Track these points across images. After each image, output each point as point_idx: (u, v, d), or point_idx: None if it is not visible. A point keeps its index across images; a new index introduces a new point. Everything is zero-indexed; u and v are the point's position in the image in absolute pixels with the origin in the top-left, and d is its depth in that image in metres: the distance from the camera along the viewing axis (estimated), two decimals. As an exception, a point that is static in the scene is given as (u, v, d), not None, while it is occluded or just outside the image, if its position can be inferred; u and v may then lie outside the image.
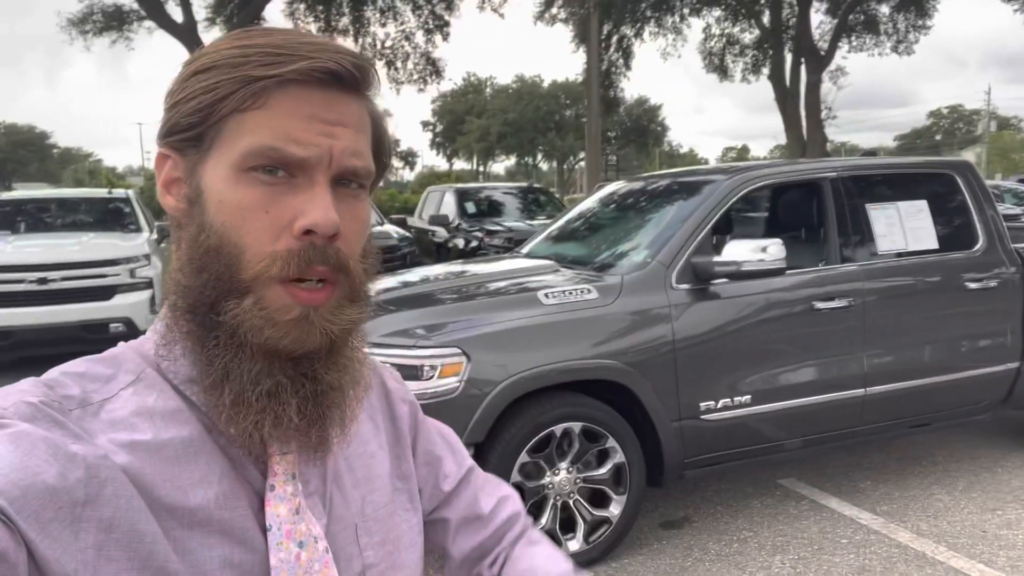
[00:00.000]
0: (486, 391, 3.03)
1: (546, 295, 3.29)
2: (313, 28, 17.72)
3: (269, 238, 0.59)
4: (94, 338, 6.67)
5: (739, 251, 3.31)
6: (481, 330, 3.13)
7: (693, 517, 3.73)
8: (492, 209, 10.37)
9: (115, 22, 16.04)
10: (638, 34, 23.07)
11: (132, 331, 6.90)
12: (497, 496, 0.90)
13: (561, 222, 4.71)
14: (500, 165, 72.00)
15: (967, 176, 4.12)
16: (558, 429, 3.17)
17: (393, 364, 3.02)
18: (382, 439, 0.80)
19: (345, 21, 18.20)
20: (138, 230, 8.18)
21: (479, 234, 9.24)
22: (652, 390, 3.26)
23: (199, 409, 0.62)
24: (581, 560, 3.22)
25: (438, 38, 17.97)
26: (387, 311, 3.40)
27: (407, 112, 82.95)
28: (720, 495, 3.96)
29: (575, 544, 3.23)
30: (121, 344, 0.67)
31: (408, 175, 65.26)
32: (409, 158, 68.50)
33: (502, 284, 3.61)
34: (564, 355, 3.17)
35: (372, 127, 0.67)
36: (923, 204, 3.94)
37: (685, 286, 3.40)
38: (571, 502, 3.24)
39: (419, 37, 18.00)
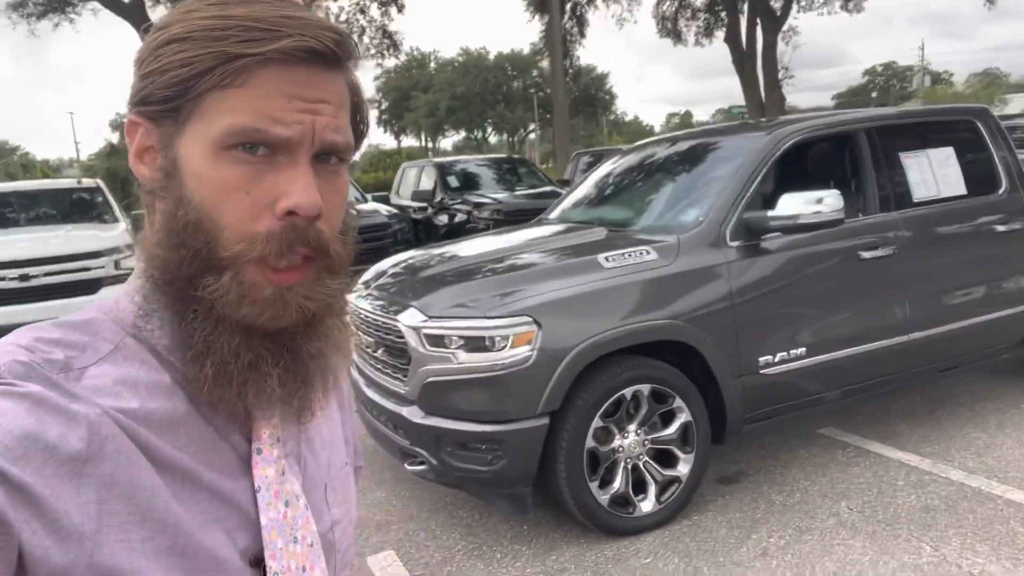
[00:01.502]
0: (559, 358, 2.99)
1: (606, 259, 3.24)
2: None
3: (250, 218, 0.59)
4: None
5: (794, 204, 3.31)
6: (548, 297, 3.07)
7: (747, 471, 3.77)
8: (474, 182, 10.23)
9: (57, 4, 15.21)
10: (591, 1, 22.97)
11: (121, 325, 6.65)
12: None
13: (587, 187, 4.66)
14: (448, 141, 71.32)
15: (987, 121, 4.20)
16: (628, 392, 3.16)
17: (460, 336, 2.96)
18: (334, 403, 0.83)
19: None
20: (114, 220, 7.86)
21: (465, 208, 9.12)
22: (715, 348, 3.27)
23: (183, 378, 0.63)
24: (655, 520, 3.24)
25: (393, 10, 17.55)
26: (445, 283, 3.32)
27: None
28: (767, 448, 4.01)
29: (648, 505, 3.23)
30: (91, 308, 0.65)
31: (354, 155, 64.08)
32: (355, 138, 67.15)
33: (556, 250, 3.55)
34: (631, 317, 3.14)
35: (351, 99, 0.67)
36: (950, 151, 4.01)
37: (738, 242, 3.40)
38: (641, 464, 3.24)
39: (374, 10, 17.55)
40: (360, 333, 3.59)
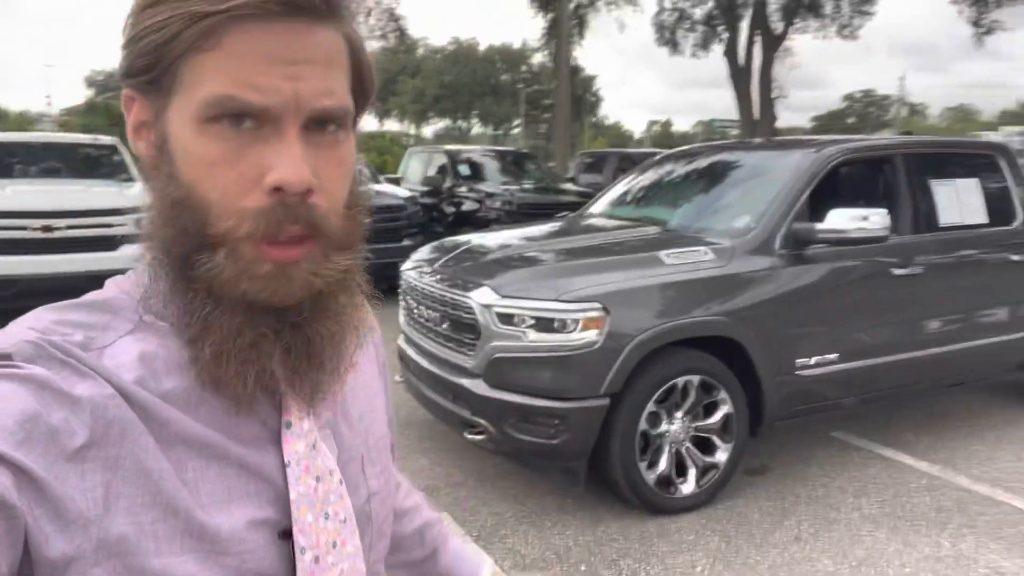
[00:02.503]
0: (623, 344, 3.19)
1: (667, 255, 3.46)
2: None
3: (237, 194, 0.56)
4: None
5: (841, 219, 3.56)
6: (616, 286, 3.27)
7: (770, 465, 4.02)
8: (482, 172, 10.39)
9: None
10: (593, 3, 23.18)
11: (138, 284, 6.69)
12: (415, 498, 0.99)
13: (629, 187, 4.87)
14: (430, 128, 71.10)
15: (1007, 156, 4.51)
16: (680, 381, 3.38)
17: (531, 316, 3.15)
18: (375, 371, 0.81)
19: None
20: (131, 180, 7.85)
21: (475, 197, 9.27)
22: (760, 347, 3.50)
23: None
24: (693, 502, 3.46)
25: (401, -7, 17.57)
26: (515, 266, 3.50)
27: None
28: (786, 447, 4.27)
29: (688, 487, 3.45)
30: (110, 286, 0.65)
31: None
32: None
33: (616, 243, 3.76)
34: (688, 312, 3.35)
35: (349, 54, 0.61)
36: (975, 181, 4.30)
37: (786, 250, 3.63)
38: (683, 449, 3.46)
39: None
40: (423, 307, 3.76)
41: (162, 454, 0.56)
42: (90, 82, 66.98)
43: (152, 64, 0.57)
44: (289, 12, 0.55)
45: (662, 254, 3.46)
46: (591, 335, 3.17)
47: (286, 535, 0.62)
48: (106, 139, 8.47)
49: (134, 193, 7.28)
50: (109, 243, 6.60)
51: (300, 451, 0.64)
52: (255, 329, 0.59)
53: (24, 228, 6.31)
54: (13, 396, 0.51)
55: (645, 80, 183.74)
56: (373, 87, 0.65)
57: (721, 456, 3.52)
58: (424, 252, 4.21)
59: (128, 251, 6.68)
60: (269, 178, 0.56)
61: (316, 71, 0.57)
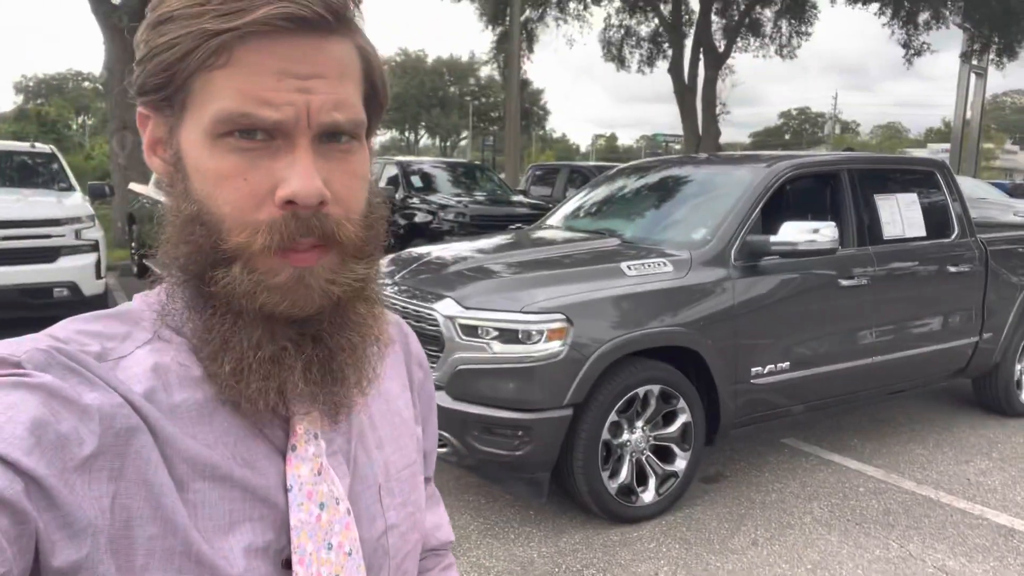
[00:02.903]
0: (587, 355, 3.23)
1: (628, 267, 3.52)
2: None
3: (250, 207, 0.56)
4: (36, 303, 6.18)
5: (793, 232, 3.68)
6: (579, 297, 3.31)
7: (724, 473, 4.11)
8: (434, 184, 10.37)
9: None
10: (542, 18, 23.43)
11: (77, 296, 6.42)
12: (440, 516, 0.93)
13: (586, 199, 4.94)
14: (378, 139, 70.63)
15: (944, 174, 4.73)
16: (641, 391, 3.43)
17: (495, 327, 3.17)
18: (407, 398, 0.79)
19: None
20: (71, 189, 7.59)
21: (428, 208, 9.24)
22: (717, 356, 3.58)
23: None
24: (654, 511, 3.51)
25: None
26: (477, 278, 3.51)
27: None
28: (739, 454, 4.37)
29: (648, 495, 3.50)
30: (137, 298, 0.65)
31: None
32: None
33: (577, 255, 3.80)
34: (650, 323, 3.41)
35: (362, 65, 0.61)
36: (915, 196, 4.50)
37: (741, 262, 3.74)
38: (643, 458, 3.51)
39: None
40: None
41: (165, 469, 0.56)
42: (19, 88, 64.60)
43: (165, 82, 0.57)
44: (299, 28, 0.55)
45: (623, 265, 3.52)
46: (555, 346, 3.20)
47: (290, 564, 0.60)
48: (44, 147, 8.17)
49: (76, 202, 7.04)
50: (48, 255, 6.36)
51: (303, 475, 0.62)
52: (275, 343, 0.59)
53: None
54: (23, 404, 0.51)
55: (590, 94, 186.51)
56: (387, 98, 0.66)
57: (680, 464, 3.59)
58: (383, 264, 4.18)
59: (67, 263, 6.48)
60: (281, 191, 0.56)
61: (327, 84, 0.57)
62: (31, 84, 64.21)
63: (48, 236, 6.37)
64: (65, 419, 0.52)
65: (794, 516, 3.60)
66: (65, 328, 0.59)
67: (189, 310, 0.61)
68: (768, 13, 22.07)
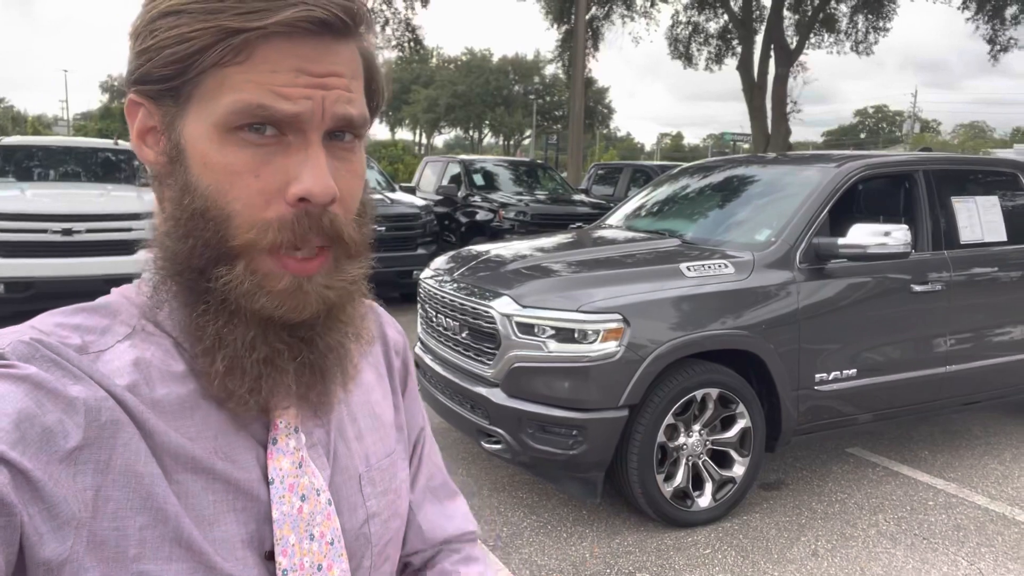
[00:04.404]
0: (643, 356, 3.19)
1: (687, 268, 3.46)
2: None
3: (260, 204, 0.56)
4: None
5: (863, 234, 3.55)
6: (636, 298, 3.28)
7: (786, 481, 4.00)
8: (496, 183, 10.42)
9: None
10: (608, 16, 23.27)
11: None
12: (454, 508, 0.90)
13: (648, 199, 4.88)
14: (441, 138, 71.49)
15: (1028, 176, 4.49)
16: (699, 394, 3.37)
17: (551, 326, 3.16)
18: (385, 387, 0.80)
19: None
20: (149, 185, 7.96)
21: (490, 207, 9.29)
22: (779, 360, 3.49)
23: (196, 367, 0.61)
24: (709, 516, 3.45)
25: (418, 4, 17.71)
26: (535, 276, 3.51)
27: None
28: (801, 462, 4.25)
29: (704, 500, 3.45)
30: (114, 291, 0.65)
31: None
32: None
33: (636, 255, 3.77)
34: (709, 325, 3.36)
35: (364, 68, 0.63)
36: (996, 199, 4.29)
37: (806, 264, 3.63)
38: (700, 462, 3.46)
39: (399, 2, 17.70)
40: (442, 316, 3.77)
41: (154, 460, 0.56)
42: (105, 87, 67.70)
43: (175, 74, 0.56)
44: (316, 30, 0.56)
45: (682, 266, 3.47)
46: (611, 346, 3.18)
47: (273, 555, 0.61)
48: (125, 144, 8.56)
49: (151, 198, 7.35)
50: (127, 247, 6.67)
51: (284, 468, 0.63)
52: (269, 345, 0.60)
53: (44, 231, 6.37)
54: (8, 395, 0.51)
55: (655, 92, 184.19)
56: (383, 100, 0.67)
57: (738, 470, 3.51)
58: (443, 261, 4.23)
59: (143, 256, 6.81)
60: (295, 188, 0.56)
61: (341, 82, 0.58)
62: (116, 83, 67.23)
63: (129, 229, 6.69)
64: (50, 411, 0.52)
65: (858, 528, 3.48)
66: (44, 321, 0.59)
67: (178, 305, 0.61)
68: (843, 8, 21.42)
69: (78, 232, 6.47)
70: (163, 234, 0.60)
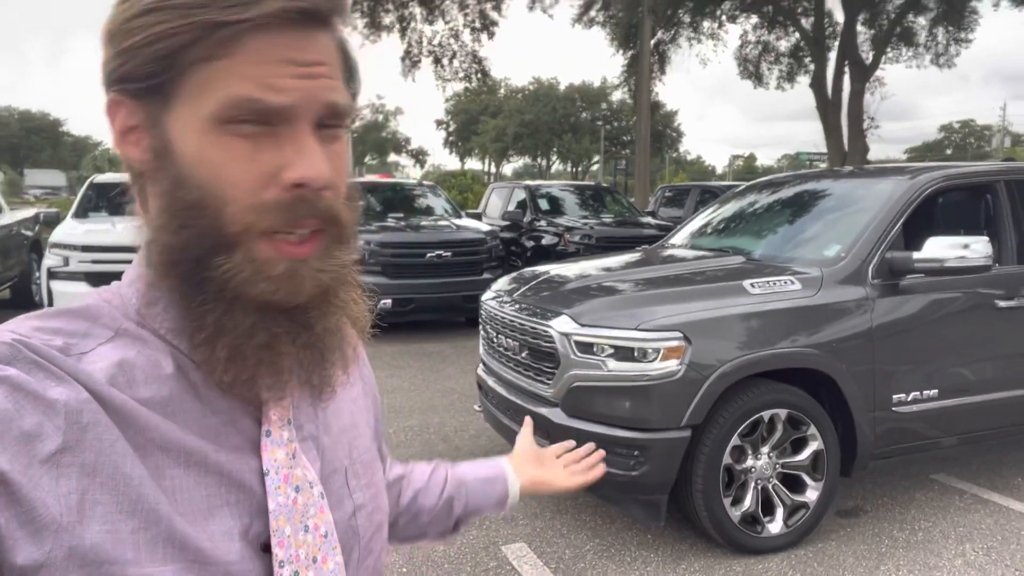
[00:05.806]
0: (705, 375, 3.12)
1: (751, 285, 3.37)
2: (359, 24, 17.83)
3: (255, 190, 0.57)
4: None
5: (940, 248, 3.39)
6: (698, 316, 3.21)
7: (865, 507, 3.81)
8: (561, 207, 10.44)
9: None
10: (674, 39, 23.16)
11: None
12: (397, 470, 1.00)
13: (716, 216, 4.80)
14: (510, 166, 72.24)
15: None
16: (766, 415, 3.26)
17: (610, 345, 3.12)
18: (359, 387, 0.81)
19: (391, 18, 18.30)
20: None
21: (555, 231, 9.31)
22: (852, 381, 3.35)
23: (189, 361, 0.61)
24: (781, 543, 3.31)
25: (484, 36, 18.07)
26: (594, 295, 3.49)
27: (421, 110, 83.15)
28: (881, 488, 4.05)
29: (775, 526, 3.31)
30: (93, 295, 0.64)
31: (415, 172, 65.60)
32: (420, 156, 68.73)
33: (698, 273, 3.70)
34: (774, 343, 3.25)
35: (341, 57, 0.64)
36: (1087, 210, 4.03)
37: (879, 280, 3.49)
38: (770, 486, 3.33)
39: (466, 36, 18.10)
40: (502, 336, 3.78)
41: (140, 461, 0.56)
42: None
43: (159, 71, 0.57)
44: (300, 20, 0.57)
45: (746, 283, 3.38)
46: (672, 365, 3.11)
47: (268, 548, 0.61)
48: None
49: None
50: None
51: (279, 460, 0.63)
52: (268, 330, 0.60)
53: (122, 262, 6.74)
54: None
55: (726, 114, 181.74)
56: (359, 87, 0.68)
57: (811, 495, 3.37)
58: (503, 282, 4.25)
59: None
60: (290, 174, 0.57)
61: (327, 71, 0.60)
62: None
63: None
64: (29, 414, 0.51)
65: (943, 558, 3.28)
66: (22, 324, 0.58)
67: (174, 299, 0.61)
68: (922, 21, 20.68)
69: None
70: (156, 229, 0.59)
